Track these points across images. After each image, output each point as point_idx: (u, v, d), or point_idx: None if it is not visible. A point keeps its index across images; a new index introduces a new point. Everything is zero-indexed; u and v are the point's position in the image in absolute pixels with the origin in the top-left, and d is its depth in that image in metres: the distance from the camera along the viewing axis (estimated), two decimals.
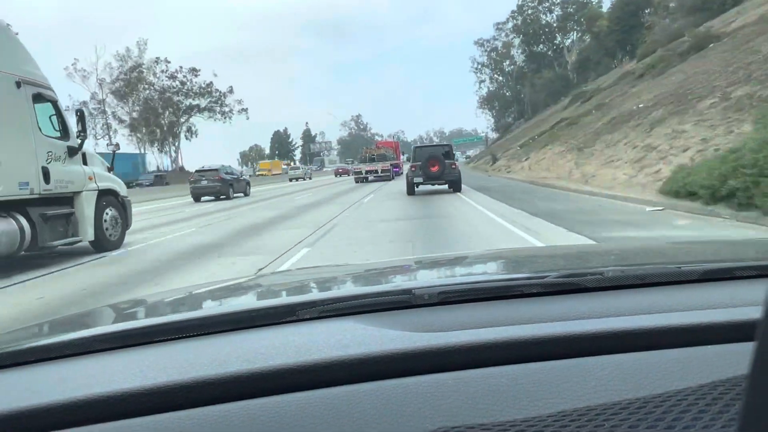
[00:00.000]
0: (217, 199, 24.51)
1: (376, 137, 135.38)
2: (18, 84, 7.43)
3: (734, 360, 0.62)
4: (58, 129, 8.26)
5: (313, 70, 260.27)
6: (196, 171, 25.97)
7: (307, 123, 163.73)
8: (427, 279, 1.34)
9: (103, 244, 8.92)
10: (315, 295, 1.16)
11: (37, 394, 0.66)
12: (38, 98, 7.84)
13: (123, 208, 9.69)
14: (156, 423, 0.61)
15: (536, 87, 68.72)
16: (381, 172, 34.80)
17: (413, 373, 0.66)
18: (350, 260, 6.34)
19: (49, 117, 8.14)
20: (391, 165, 35.95)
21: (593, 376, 0.63)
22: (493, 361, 0.68)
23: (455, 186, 17.79)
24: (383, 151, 38.63)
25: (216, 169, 24.76)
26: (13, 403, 0.64)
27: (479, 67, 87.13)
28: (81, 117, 8.83)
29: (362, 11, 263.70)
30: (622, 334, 0.71)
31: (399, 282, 1.30)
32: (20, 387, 0.72)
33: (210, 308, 1.17)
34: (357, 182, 34.06)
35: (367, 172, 35.00)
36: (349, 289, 1.26)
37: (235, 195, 25.33)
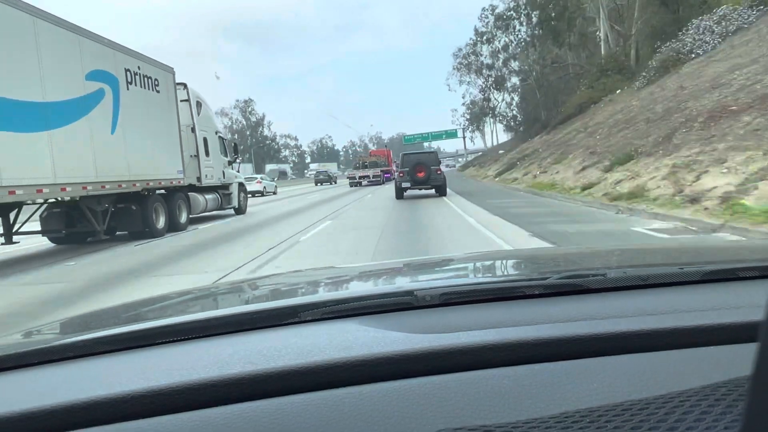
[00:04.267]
0: (321, 183, 54.06)
1: (280, 138, 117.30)
2: (216, 133, 16.35)
3: (737, 361, 0.61)
4: (224, 151, 17.08)
5: (233, 73, 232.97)
6: (317, 171, 64.58)
7: None
8: (429, 280, 1.33)
9: (240, 210, 17.79)
10: (317, 296, 1.17)
11: (40, 396, 0.66)
12: (220, 138, 16.73)
13: (245, 192, 18.59)
14: (159, 425, 0.61)
15: None
16: (372, 177, 39.03)
17: (415, 375, 0.66)
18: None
19: (219, 146, 16.95)
20: (381, 171, 40.32)
21: (595, 378, 0.63)
22: (495, 362, 0.67)
23: (440, 190, 18.75)
24: (375, 159, 43.73)
25: (326, 170, 62.27)
26: (17, 405, 0.64)
27: None
28: (235, 145, 17.98)
29: (286, 17, 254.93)
30: (624, 336, 0.71)
31: (401, 283, 1.32)
32: (24, 389, 0.73)
33: (212, 310, 1.17)
34: (351, 186, 37.35)
35: (360, 177, 38.98)
36: (351, 290, 1.26)
37: (333, 184, 53.60)
